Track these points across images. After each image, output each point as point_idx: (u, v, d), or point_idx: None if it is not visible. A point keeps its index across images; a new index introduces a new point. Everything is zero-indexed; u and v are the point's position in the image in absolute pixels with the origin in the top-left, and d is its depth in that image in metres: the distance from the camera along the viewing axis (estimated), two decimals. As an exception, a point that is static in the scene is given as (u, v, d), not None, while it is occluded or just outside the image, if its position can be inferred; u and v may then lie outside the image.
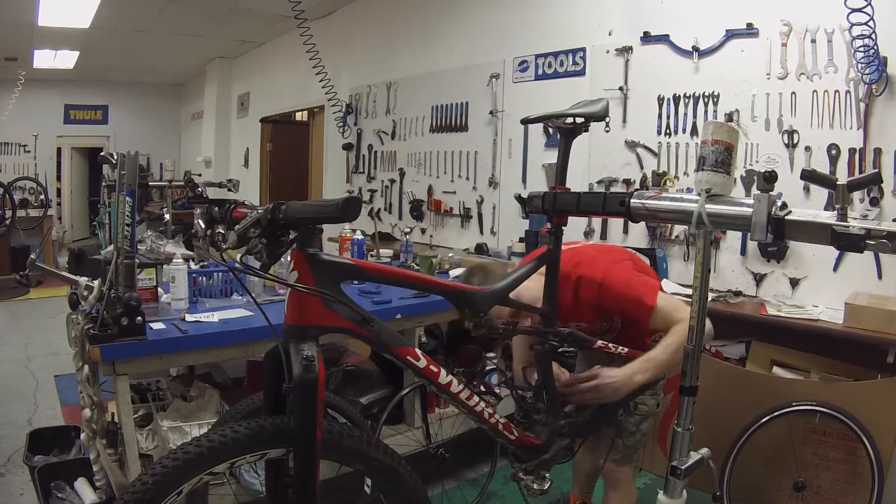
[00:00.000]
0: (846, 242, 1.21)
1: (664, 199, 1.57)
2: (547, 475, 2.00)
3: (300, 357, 1.38)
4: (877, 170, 1.16)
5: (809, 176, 1.37)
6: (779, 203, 1.31)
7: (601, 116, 1.99)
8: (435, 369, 1.66)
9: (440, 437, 3.18)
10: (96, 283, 2.38)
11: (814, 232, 1.27)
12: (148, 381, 3.27)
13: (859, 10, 2.78)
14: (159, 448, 2.69)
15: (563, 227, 1.98)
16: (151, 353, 2.35)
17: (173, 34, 8.08)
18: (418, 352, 1.63)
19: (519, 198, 2.01)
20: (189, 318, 2.64)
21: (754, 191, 1.33)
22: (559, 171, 2.01)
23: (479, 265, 2.23)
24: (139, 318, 2.28)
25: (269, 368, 1.47)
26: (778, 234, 1.30)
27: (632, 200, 1.61)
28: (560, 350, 1.98)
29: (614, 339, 2.19)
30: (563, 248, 2.02)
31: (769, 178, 1.25)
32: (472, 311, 1.79)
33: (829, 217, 1.26)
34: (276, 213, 1.36)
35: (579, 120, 1.97)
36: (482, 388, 2.50)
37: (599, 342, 2.07)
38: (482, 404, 1.80)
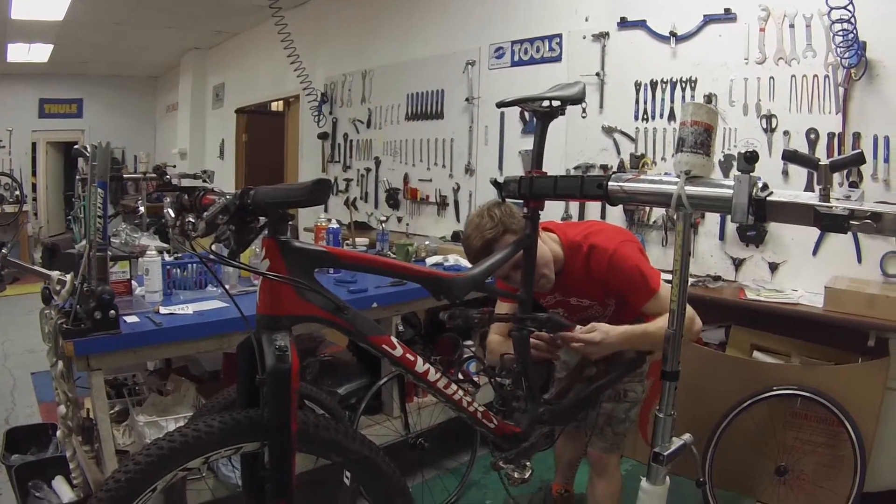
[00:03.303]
0: (829, 223, 1.18)
1: (643, 182, 1.54)
2: (528, 463, 1.98)
3: (273, 348, 1.35)
4: (859, 150, 1.13)
5: (791, 156, 1.34)
6: (759, 184, 1.28)
7: (578, 99, 1.95)
8: (411, 358, 1.62)
9: (419, 427, 3.15)
10: (69, 277, 2.33)
11: (796, 213, 1.25)
12: (124, 375, 3.21)
13: None
14: (136, 443, 2.64)
15: (540, 212, 1.95)
16: (125, 347, 2.30)
17: (148, 26, 7.95)
18: (394, 340, 1.59)
19: (495, 182, 1.98)
20: (163, 310, 2.58)
21: (734, 172, 1.29)
22: (535, 155, 1.97)
23: (495, 202, 2.14)
24: (112, 311, 2.23)
25: (243, 360, 1.43)
26: (759, 216, 1.27)
27: (609, 183, 1.58)
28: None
29: None
30: (569, 224, 2.00)
31: (750, 159, 1.22)
32: (449, 298, 1.75)
33: (811, 198, 1.23)
34: (244, 199, 1.33)
35: (556, 103, 1.93)
36: (460, 377, 2.47)
37: (579, 327, 2.04)
38: (460, 392, 1.77)
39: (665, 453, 1.53)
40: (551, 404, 2.08)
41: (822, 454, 2.89)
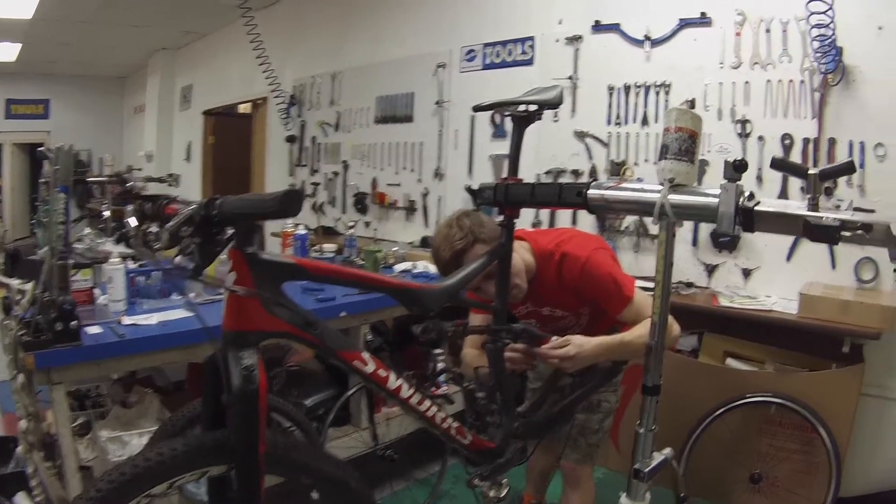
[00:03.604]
0: (820, 234, 1.14)
1: (624, 190, 1.49)
2: (504, 481, 1.92)
3: (239, 366, 1.28)
4: (850, 158, 1.10)
5: (780, 164, 1.30)
6: (746, 193, 1.24)
7: (555, 104, 1.91)
8: (384, 374, 1.55)
9: (388, 438, 3.09)
10: (29, 286, 2.24)
11: (785, 223, 1.21)
12: (87, 386, 3.09)
13: None
14: (99, 458, 2.55)
15: (516, 220, 1.90)
16: (88, 360, 2.21)
17: (117, 25, 7.76)
18: (365, 355, 1.52)
19: (469, 189, 1.93)
20: (127, 320, 2.48)
21: (721, 180, 1.24)
22: (512, 160, 1.92)
23: (463, 211, 2.10)
24: (74, 322, 2.14)
25: (208, 378, 1.36)
26: (747, 226, 1.22)
27: (589, 191, 1.52)
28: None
29: None
30: (540, 232, 1.95)
31: (739, 167, 1.17)
32: (421, 310, 1.69)
33: (799, 207, 1.19)
34: (209, 209, 1.27)
35: (532, 107, 1.88)
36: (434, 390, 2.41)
37: (555, 338, 1.99)
38: (434, 409, 1.71)
39: (646, 469, 1.48)
40: (526, 417, 2.03)
41: (796, 461, 2.88)
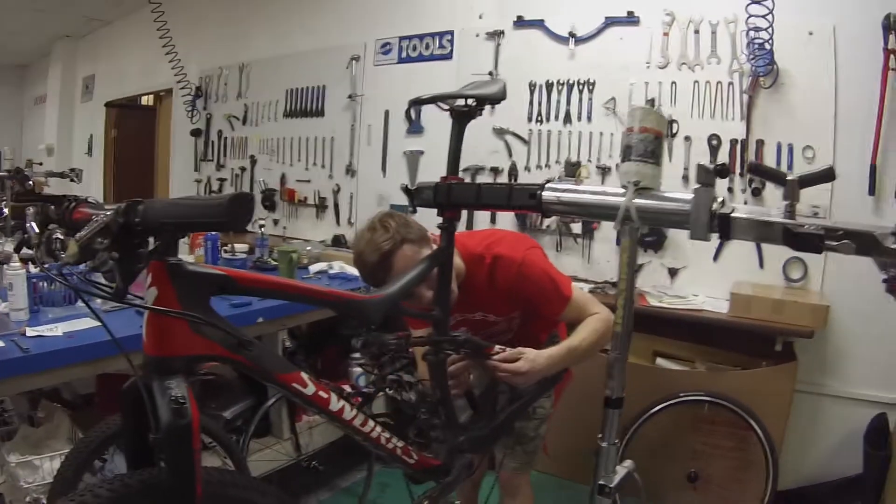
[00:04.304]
0: (802, 243, 1.07)
1: (583, 193, 1.39)
2: (456, 502, 1.81)
3: (167, 398, 1.10)
4: (829, 165, 1.06)
5: (755, 169, 1.26)
6: (719, 199, 1.16)
7: (498, 98, 1.82)
8: (325, 395, 1.41)
9: (311, 447, 2.98)
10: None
11: (762, 231, 1.13)
12: (-11, 400, 2.82)
13: (758, 2, 2.78)
14: (7, 483, 2.36)
15: (456, 223, 1.78)
16: (-11, 378, 1.97)
17: (17, 8, 7.28)
18: (304, 376, 1.36)
19: (406, 189, 1.79)
20: (30, 331, 2.24)
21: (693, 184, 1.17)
22: (451, 158, 1.81)
23: (385, 212, 1.96)
24: (-27, 337, 1.89)
25: (128, 408, 1.18)
26: (724, 233, 1.15)
27: (544, 193, 1.42)
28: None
29: (509, 342, 2.03)
30: (465, 234, 1.84)
31: (720, 172, 1.09)
32: (362, 323, 1.56)
33: (779, 215, 1.12)
34: (130, 217, 1.08)
35: (472, 102, 1.77)
36: (350, 389, 2.28)
37: (497, 347, 1.89)
38: (378, 429, 1.58)
39: (612, 485, 1.40)
40: (469, 430, 1.92)
41: (732, 458, 2.90)
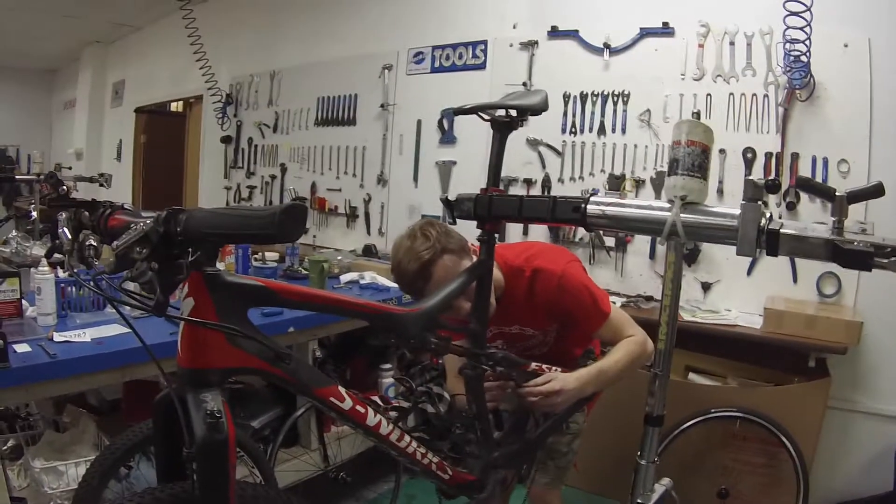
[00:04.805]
0: (851, 260, 1.07)
1: (628, 207, 1.40)
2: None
3: (202, 412, 1.07)
4: (879, 181, 1.05)
5: (804, 184, 1.24)
6: (767, 214, 1.16)
7: (540, 109, 1.79)
8: (362, 410, 1.39)
9: (339, 458, 2.96)
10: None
11: (811, 247, 1.13)
12: (16, 404, 2.84)
13: (797, 14, 2.76)
14: (32, 487, 2.34)
15: (497, 236, 1.77)
16: (16, 384, 1.96)
17: (46, 14, 7.35)
18: (342, 390, 1.34)
19: (445, 200, 1.78)
20: (58, 336, 2.24)
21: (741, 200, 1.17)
22: (493, 169, 1.80)
23: (428, 221, 1.93)
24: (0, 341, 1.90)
25: (161, 422, 1.16)
26: (771, 249, 1.14)
27: (589, 206, 1.42)
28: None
29: (544, 356, 2.03)
30: (504, 246, 1.83)
31: (772, 188, 1.09)
32: (402, 337, 1.56)
33: (826, 231, 1.12)
34: (170, 226, 1.03)
35: (514, 112, 1.77)
36: (380, 402, 2.29)
37: (534, 364, 1.89)
38: (414, 444, 1.56)
39: (649, 503, 1.39)
40: (503, 446, 1.91)
41: (762, 475, 2.87)
